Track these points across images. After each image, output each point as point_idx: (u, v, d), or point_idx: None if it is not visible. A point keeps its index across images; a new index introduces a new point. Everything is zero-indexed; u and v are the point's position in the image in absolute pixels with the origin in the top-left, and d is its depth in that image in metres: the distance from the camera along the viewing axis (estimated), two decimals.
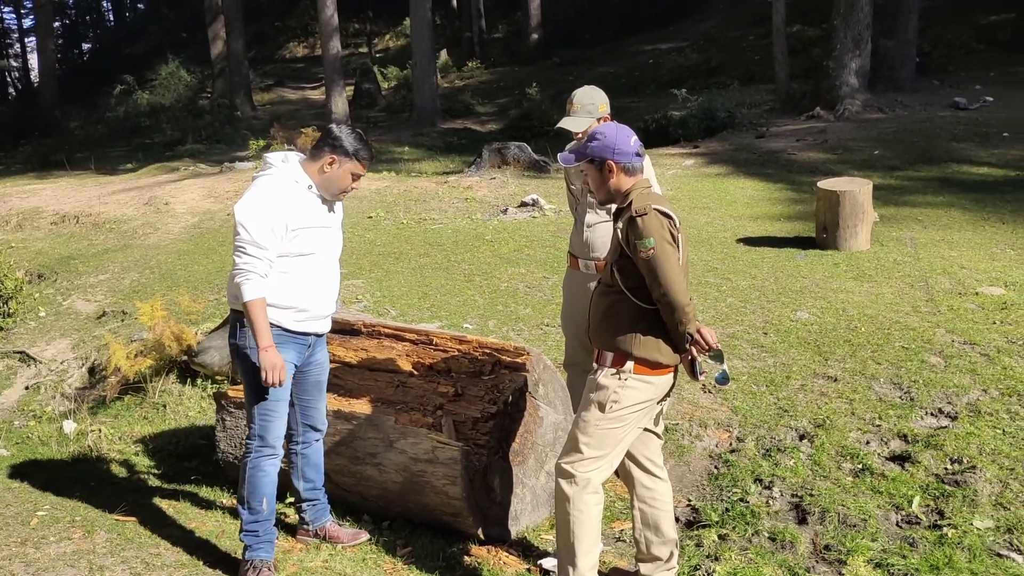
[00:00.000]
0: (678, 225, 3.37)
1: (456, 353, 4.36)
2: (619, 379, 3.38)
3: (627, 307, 3.39)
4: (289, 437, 4.07)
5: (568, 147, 4.63)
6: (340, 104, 20.06)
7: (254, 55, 31.82)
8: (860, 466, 4.57)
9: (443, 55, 28.46)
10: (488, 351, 4.31)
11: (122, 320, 7.87)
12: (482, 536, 4.01)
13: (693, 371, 3.46)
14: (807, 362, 5.74)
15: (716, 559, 3.94)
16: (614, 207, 4.46)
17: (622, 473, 3.67)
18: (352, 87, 25.59)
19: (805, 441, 4.84)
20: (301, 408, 4.02)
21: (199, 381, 6.32)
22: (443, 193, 11.56)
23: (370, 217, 10.67)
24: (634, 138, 3.44)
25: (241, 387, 3.97)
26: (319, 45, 26.14)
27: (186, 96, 26.30)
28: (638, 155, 3.44)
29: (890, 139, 14.54)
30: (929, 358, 5.65)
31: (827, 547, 3.97)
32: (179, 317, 6.88)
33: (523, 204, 10.56)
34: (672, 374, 3.47)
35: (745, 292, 7.11)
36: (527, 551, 4.05)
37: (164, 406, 6.20)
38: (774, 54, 19.60)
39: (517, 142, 13.32)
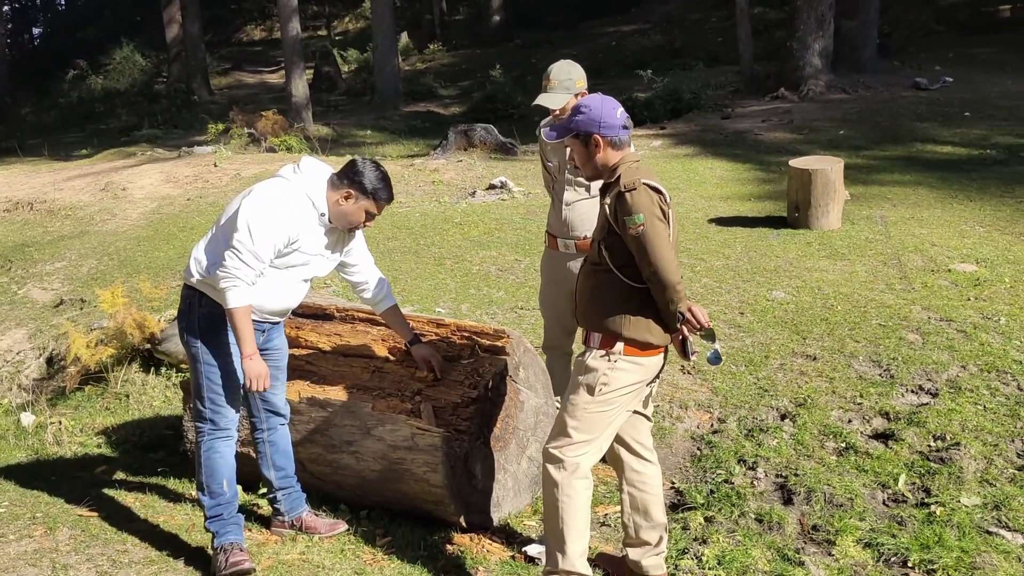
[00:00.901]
0: (668, 200, 3.25)
1: (434, 337, 4.22)
2: (608, 361, 3.26)
3: (616, 286, 3.27)
4: (253, 426, 3.93)
5: (544, 122, 4.52)
6: (300, 87, 19.69)
7: (210, 38, 31.22)
8: (844, 445, 4.52)
9: (403, 37, 28.10)
10: (467, 335, 4.19)
11: (81, 308, 7.62)
12: (464, 524, 3.90)
13: (684, 351, 3.37)
14: (785, 341, 5.68)
15: (704, 542, 3.86)
16: (598, 184, 4.43)
17: (610, 457, 3.57)
18: (312, 70, 25.20)
19: (787, 421, 4.78)
20: (261, 394, 3.86)
21: (163, 370, 6.13)
22: (409, 176, 11.38)
23: None
24: (620, 110, 3.32)
25: None
26: (277, 28, 25.73)
27: (141, 81, 25.80)
28: (625, 128, 3.31)
29: (854, 119, 14.60)
30: (907, 335, 5.61)
31: (815, 527, 3.91)
32: (141, 304, 6.67)
33: (491, 186, 10.42)
34: (662, 355, 3.38)
35: (719, 272, 7.05)
36: (510, 538, 3.94)
37: (127, 396, 6.00)
38: (738, 35, 19.58)
39: (483, 124, 13.16)
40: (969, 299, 6.18)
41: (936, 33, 21.44)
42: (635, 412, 3.46)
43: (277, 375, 3.89)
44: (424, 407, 3.94)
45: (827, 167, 8.03)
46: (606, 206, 3.26)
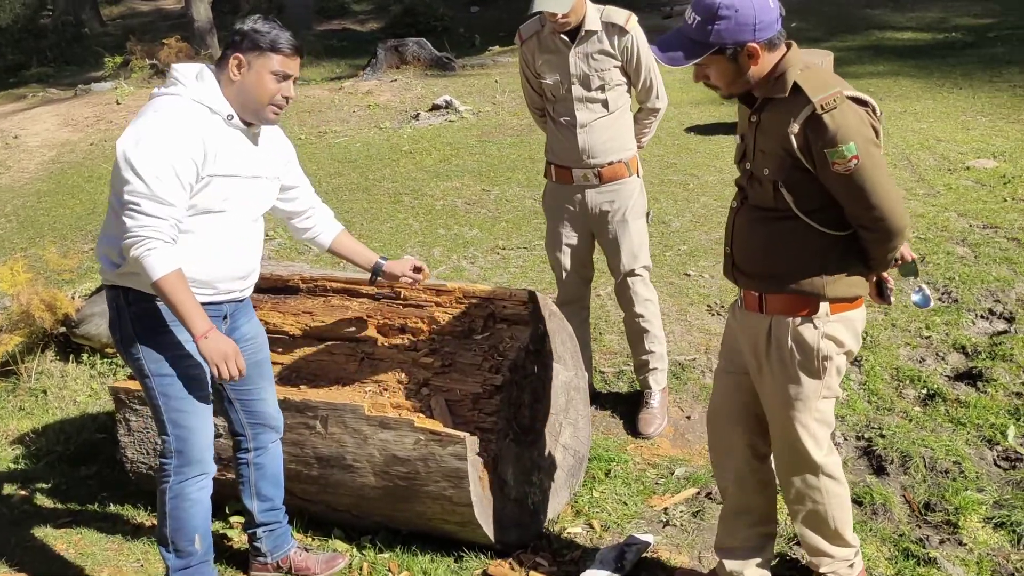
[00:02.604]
0: (879, 114, 2.33)
1: (434, 307, 3.33)
2: (815, 327, 2.42)
3: (808, 236, 2.38)
4: (237, 444, 3.02)
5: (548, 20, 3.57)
6: (202, 10, 18.00)
7: None
8: (925, 391, 3.81)
9: None
10: (476, 300, 3.30)
11: None
12: (499, 545, 3.07)
13: (881, 293, 2.54)
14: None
15: (800, 541, 3.11)
16: (620, 94, 3.53)
17: (727, 445, 2.75)
18: None
19: (851, 365, 4.03)
20: (243, 403, 2.97)
21: (85, 356, 5.09)
22: (340, 101, 10.24)
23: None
24: None
25: None
26: None
27: (24, 15, 23.61)
28: (780, 15, 2.31)
29: (801, 10, 13.79)
30: (954, 248, 4.91)
31: (927, 506, 3.19)
32: (48, 278, 5.60)
33: (435, 107, 9.38)
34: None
35: (717, 189, 6.24)
36: (558, 553, 3.12)
37: (44, 392, 4.97)
38: None
39: (415, 38, 11.99)
40: (1005, 200, 5.50)
41: None
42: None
43: (259, 373, 2.96)
44: (436, 403, 3.07)
45: (817, 61, 7.20)
46: (791, 135, 2.27)
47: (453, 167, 7.43)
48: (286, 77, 2.64)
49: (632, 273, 3.69)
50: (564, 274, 3.80)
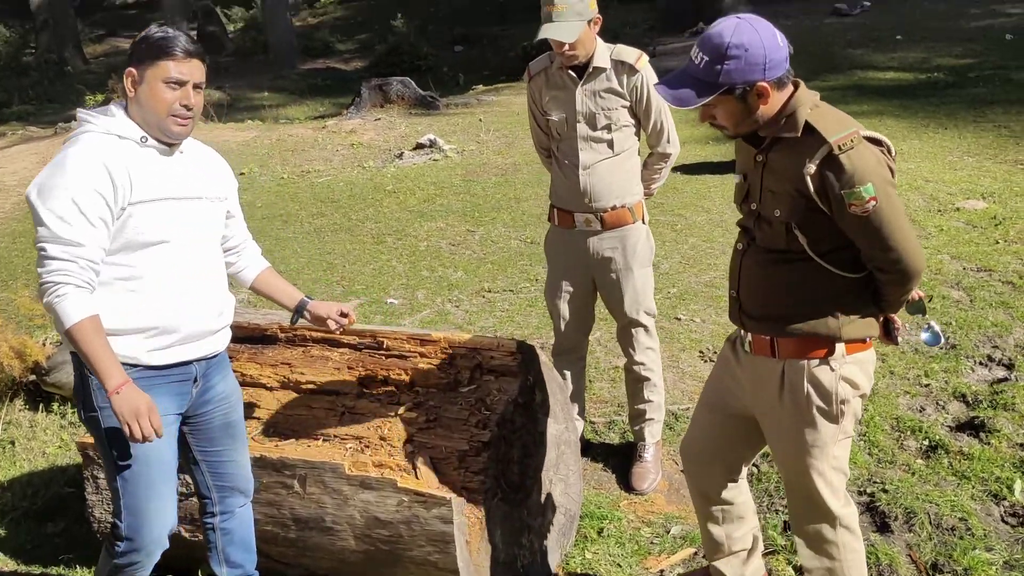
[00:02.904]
0: (893, 154, 2.28)
1: (418, 357, 3.19)
2: (831, 370, 2.35)
3: (822, 278, 2.32)
4: (202, 507, 2.84)
5: (541, 55, 3.48)
6: None
7: (80, 4, 28.76)
8: (927, 442, 3.68)
9: None
10: (463, 351, 3.16)
11: None
12: None
13: (888, 333, 2.48)
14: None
15: None
16: (627, 136, 3.42)
17: (706, 482, 2.75)
18: (195, 31, 23.33)
19: None
20: (210, 466, 2.77)
21: (55, 405, 4.91)
22: (324, 140, 10.14)
23: (242, 174, 9.17)
24: (779, 34, 2.25)
25: None
26: None
27: (7, 53, 23.54)
28: (789, 53, 2.26)
29: (782, 37, 13.85)
30: (949, 292, 4.81)
31: (935, 567, 3.05)
32: (19, 323, 5.42)
33: (419, 146, 9.29)
34: None
35: (706, 230, 6.15)
36: None
37: (12, 443, 4.77)
38: None
39: (399, 77, 11.94)
40: (997, 242, 5.43)
41: None
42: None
43: (229, 434, 2.77)
44: (420, 461, 2.92)
45: None
46: (807, 175, 2.20)
47: (437, 207, 7.31)
48: (182, 84, 2.40)
49: (634, 322, 3.56)
50: (562, 323, 3.65)
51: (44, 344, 5.01)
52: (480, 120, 10.44)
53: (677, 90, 2.24)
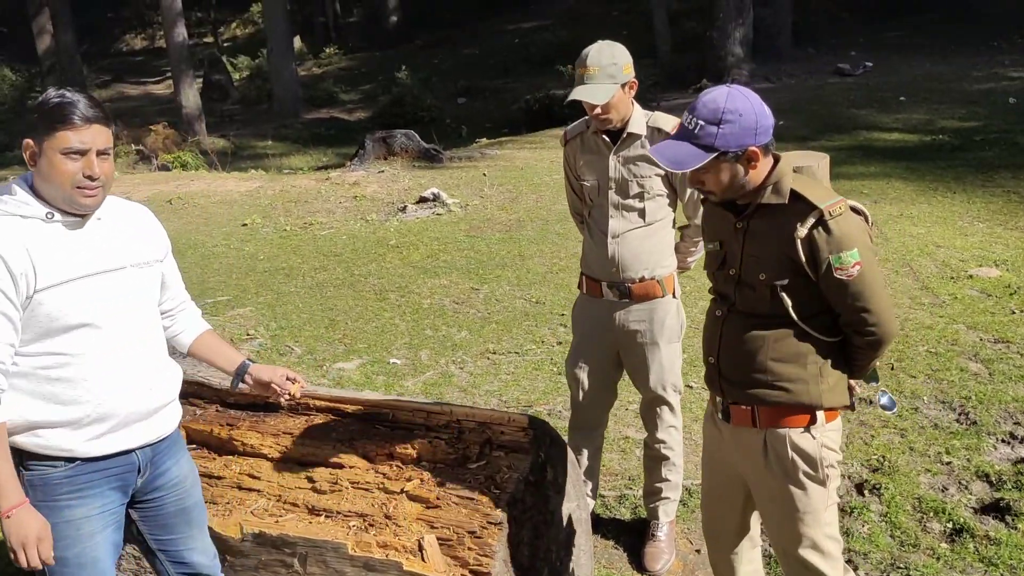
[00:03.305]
0: (871, 223, 2.40)
1: (425, 432, 3.06)
2: (813, 438, 2.42)
3: (804, 344, 2.39)
4: None
5: (577, 125, 3.40)
6: (191, 97, 18.08)
7: (87, 49, 29.03)
8: (951, 525, 3.54)
9: (297, 42, 26.60)
10: (472, 425, 3.04)
11: None
12: None
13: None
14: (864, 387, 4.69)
15: None
16: (661, 208, 3.33)
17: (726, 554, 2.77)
18: (201, 79, 23.49)
19: (869, 494, 3.77)
20: (169, 555, 2.56)
21: None
22: (327, 191, 10.09)
23: (245, 225, 9.11)
24: (765, 103, 2.35)
25: None
26: (159, 36, 23.95)
27: (12, 97, 23.71)
28: (773, 124, 2.36)
29: (789, 109, 13.94)
30: (967, 364, 4.70)
31: None
32: None
33: (423, 200, 9.23)
34: None
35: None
36: None
37: None
38: (655, 26, 18.92)
39: (403, 130, 11.94)
40: (1013, 312, 5.33)
41: (842, 19, 21.27)
42: None
43: (185, 521, 2.57)
44: (427, 542, 2.78)
45: (813, 163, 7.05)
46: (797, 239, 2.28)
47: (441, 263, 7.22)
48: (83, 153, 2.17)
49: (659, 399, 3.43)
50: (582, 395, 3.51)
51: None
52: (484, 174, 10.40)
53: (673, 154, 2.31)
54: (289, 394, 2.66)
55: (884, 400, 2.74)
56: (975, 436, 4.08)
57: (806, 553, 2.46)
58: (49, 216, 2.21)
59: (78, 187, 2.18)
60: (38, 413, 2.20)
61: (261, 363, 2.73)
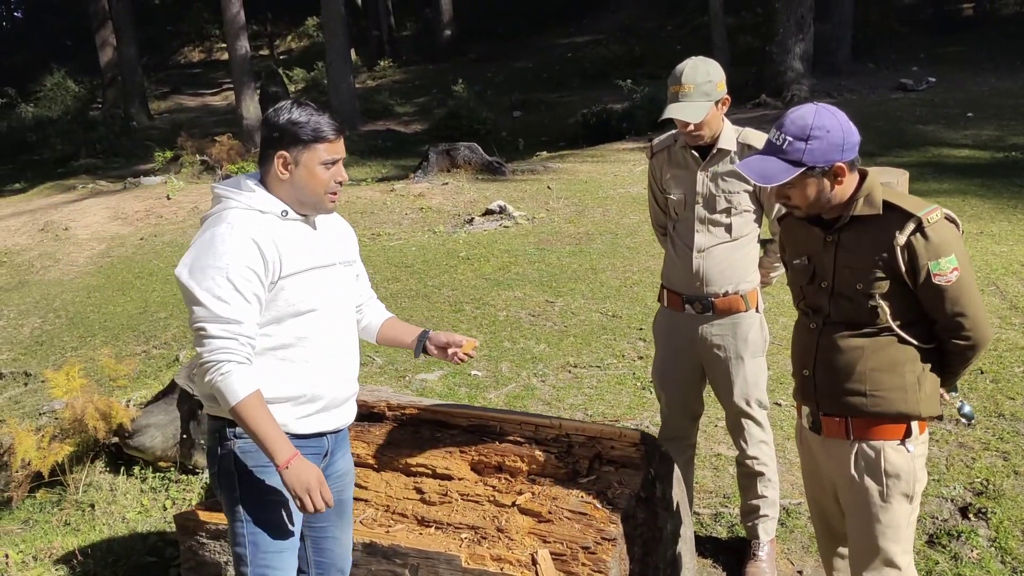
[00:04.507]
0: (962, 231, 2.43)
1: (534, 445, 3.05)
2: (909, 451, 2.45)
3: (903, 352, 2.42)
4: None
5: (666, 136, 3.39)
6: (252, 109, 18.31)
7: (147, 62, 29.61)
8: None
9: (352, 55, 26.90)
10: (581, 439, 3.03)
11: (25, 384, 6.27)
12: None
13: None
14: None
15: None
16: (747, 222, 3.31)
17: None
18: (258, 92, 23.85)
19: (975, 518, 3.69)
20: (314, 541, 2.72)
21: (136, 469, 4.84)
22: (392, 203, 10.17)
23: None
24: (850, 121, 2.41)
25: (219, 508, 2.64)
26: (216, 49, 24.36)
27: (75, 108, 24.25)
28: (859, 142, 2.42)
29: (854, 124, 13.76)
30: None
31: None
32: (101, 383, 5.38)
33: (489, 212, 9.26)
34: None
35: (791, 310, 5.97)
36: None
37: (91, 506, 4.69)
38: (713, 41, 18.79)
39: (466, 142, 12.00)
40: None
41: (900, 34, 20.99)
42: None
43: (338, 511, 2.71)
44: (542, 556, 2.77)
45: (892, 180, 6.98)
46: (897, 247, 2.33)
47: (513, 275, 7.23)
48: (335, 162, 2.45)
49: (744, 413, 3.40)
50: (668, 406, 3.52)
51: (129, 406, 4.96)
52: (549, 188, 10.41)
53: (761, 168, 2.37)
54: (464, 352, 2.76)
55: (966, 409, 2.70)
56: None
57: (882, 568, 2.49)
58: (284, 214, 2.44)
59: (329, 192, 2.45)
60: (265, 389, 2.38)
61: (436, 333, 2.82)
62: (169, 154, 14.96)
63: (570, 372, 5.29)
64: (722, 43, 18.66)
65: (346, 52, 20.95)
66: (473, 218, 9.18)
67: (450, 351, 2.76)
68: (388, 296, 6.93)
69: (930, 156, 11.44)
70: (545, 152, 14.54)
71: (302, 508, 2.37)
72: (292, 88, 25.92)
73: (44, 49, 31.72)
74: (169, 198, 11.50)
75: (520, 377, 5.26)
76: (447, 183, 10.87)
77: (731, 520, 3.79)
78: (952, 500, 3.80)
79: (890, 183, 6.96)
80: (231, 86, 20.61)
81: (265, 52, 32.18)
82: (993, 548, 3.50)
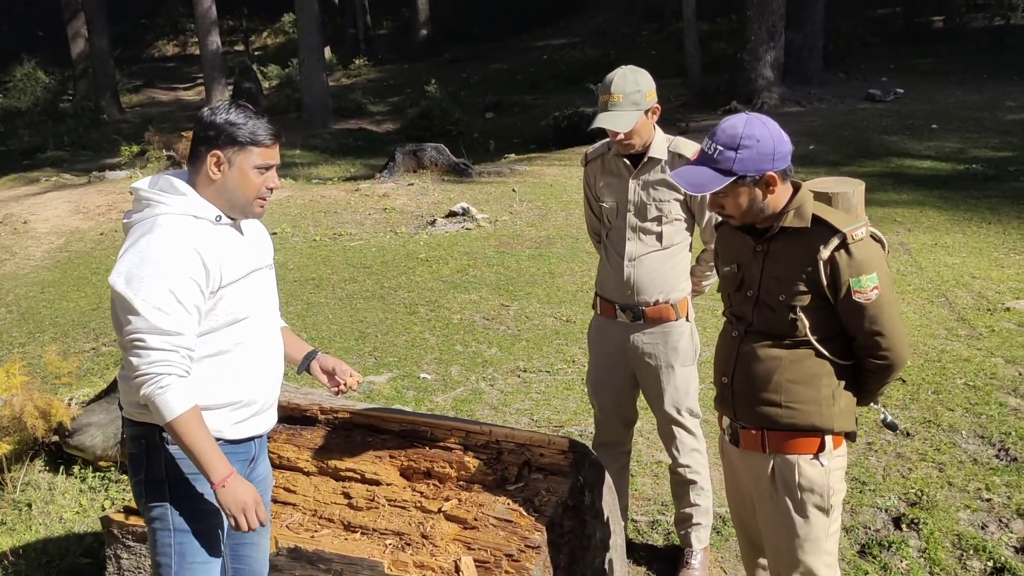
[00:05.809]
0: (887, 251, 2.45)
1: (464, 451, 3.04)
2: (823, 465, 2.47)
3: (820, 366, 2.45)
4: None
5: (601, 147, 3.39)
6: None
7: (119, 54, 29.32)
8: (991, 564, 3.48)
9: (327, 52, 26.77)
10: (511, 446, 3.02)
11: None
12: None
13: None
14: (863, 410, 4.64)
15: None
16: (678, 230, 3.31)
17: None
18: (231, 87, 23.68)
19: (907, 528, 3.72)
20: (232, 548, 2.63)
21: (76, 469, 4.78)
22: (356, 203, 10.13)
23: (275, 233, 9.14)
24: (783, 131, 2.42)
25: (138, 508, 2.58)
26: (191, 43, 24.19)
27: (45, 99, 23.95)
28: (791, 151, 2.44)
29: (819, 133, 13.91)
30: (1006, 399, 4.64)
31: None
32: (45, 380, 5.31)
33: (452, 214, 9.24)
34: None
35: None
36: None
37: (28, 505, 4.63)
38: (685, 47, 18.90)
39: (433, 143, 11.97)
40: None
41: (871, 44, 21.17)
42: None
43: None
44: (464, 563, 2.75)
45: (848, 190, 6.98)
46: (820, 261, 2.35)
47: (470, 278, 7.22)
48: (268, 168, 2.39)
49: (675, 421, 3.40)
50: (602, 414, 3.53)
51: (70, 404, 4.89)
52: (513, 190, 10.40)
53: (693, 177, 2.38)
54: (346, 385, 2.71)
55: (888, 419, 2.73)
56: (1015, 473, 4.01)
57: None
58: (217, 219, 2.38)
59: (259, 197, 2.41)
60: (201, 396, 2.34)
61: (324, 355, 2.78)
62: (135, 149, 14.81)
63: (519, 377, 5.29)
64: (694, 49, 18.76)
65: (320, 49, 20.88)
66: (436, 220, 9.16)
67: (337, 378, 2.71)
68: (344, 297, 6.90)
69: (892, 167, 11.54)
70: (513, 154, 14.54)
71: (236, 527, 2.34)
72: (266, 84, 25.74)
73: (14, 40, 31.33)
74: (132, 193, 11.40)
75: (469, 381, 5.25)
76: (412, 184, 10.85)
77: (668, 528, 3.80)
78: (886, 510, 3.83)
79: (845, 193, 7.01)
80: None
81: (240, 48, 31.96)
82: (923, 559, 3.53)
